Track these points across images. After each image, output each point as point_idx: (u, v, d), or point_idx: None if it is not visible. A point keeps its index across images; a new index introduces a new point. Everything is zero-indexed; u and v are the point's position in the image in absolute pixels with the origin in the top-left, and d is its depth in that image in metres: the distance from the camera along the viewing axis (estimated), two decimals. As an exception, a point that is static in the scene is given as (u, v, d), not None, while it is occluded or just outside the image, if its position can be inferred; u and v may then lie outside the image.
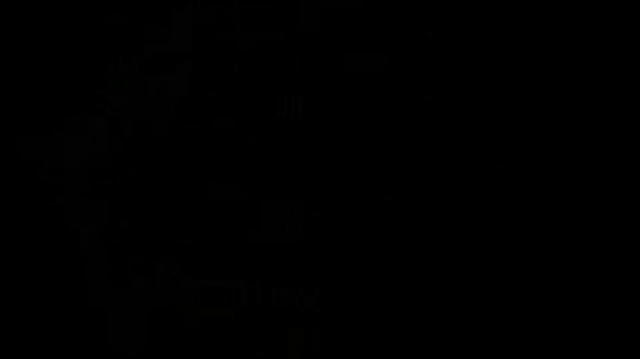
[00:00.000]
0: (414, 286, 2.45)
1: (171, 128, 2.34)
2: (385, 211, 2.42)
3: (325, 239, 2.18)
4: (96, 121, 2.75)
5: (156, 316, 2.46)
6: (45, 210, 2.49)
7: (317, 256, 2.06)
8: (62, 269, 2.47)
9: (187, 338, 2.42)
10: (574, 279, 2.45)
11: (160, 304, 2.48)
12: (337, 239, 2.22)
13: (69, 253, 2.50)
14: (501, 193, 2.49)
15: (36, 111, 2.49)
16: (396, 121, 2.16)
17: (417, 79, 2.34)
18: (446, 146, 2.48)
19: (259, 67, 2.27)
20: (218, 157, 2.30)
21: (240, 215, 2.22)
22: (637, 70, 2.37)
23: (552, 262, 2.47)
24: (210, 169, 2.32)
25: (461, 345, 2.37)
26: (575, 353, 2.33)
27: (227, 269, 2.20)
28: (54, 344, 2.37)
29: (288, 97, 2.23)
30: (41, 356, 2.35)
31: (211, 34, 1.92)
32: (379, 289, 2.39)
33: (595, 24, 2.38)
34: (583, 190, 2.45)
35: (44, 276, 2.46)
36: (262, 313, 1.70)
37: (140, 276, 2.49)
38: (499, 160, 2.48)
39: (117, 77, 2.53)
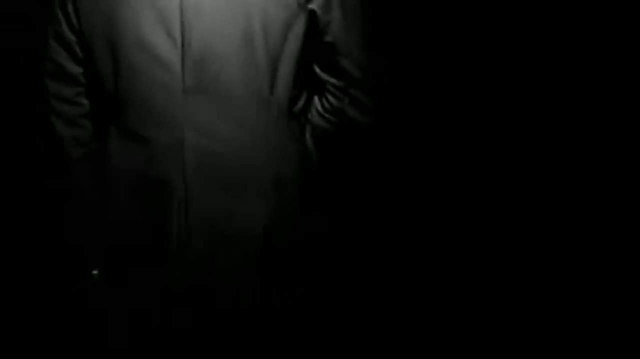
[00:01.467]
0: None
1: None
2: (386, 212, 2.42)
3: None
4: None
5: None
6: (47, 211, 2.49)
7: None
8: (62, 269, 2.47)
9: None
10: (574, 279, 2.45)
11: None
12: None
13: (69, 253, 2.49)
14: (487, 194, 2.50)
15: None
16: (395, 120, 2.15)
17: (417, 79, 2.34)
18: (445, 146, 2.48)
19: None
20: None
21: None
22: (637, 70, 2.38)
23: (552, 262, 2.47)
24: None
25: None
26: (575, 353, 2.33)
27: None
28: (54, 344, 2.37)
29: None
30: (41, 356, 2.35)
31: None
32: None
33: (595, 24, 2.38)
34: (583, 190, 2.46)
35: (44, 275, 2.46)
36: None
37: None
38: (498, 160, 2.48)
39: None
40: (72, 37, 1.20)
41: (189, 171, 1.13)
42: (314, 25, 1.15)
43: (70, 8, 1.19)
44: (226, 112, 1.12)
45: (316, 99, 1.27)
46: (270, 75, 1.12)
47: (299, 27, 1.14)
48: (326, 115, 1.25)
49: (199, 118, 1.11)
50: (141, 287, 1.25)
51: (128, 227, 1.20)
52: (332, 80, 1.20)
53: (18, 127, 2.48)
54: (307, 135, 1.28)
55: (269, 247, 1.17)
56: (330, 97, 1.22)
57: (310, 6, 1.13)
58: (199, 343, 1.25)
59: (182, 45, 1.10)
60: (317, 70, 1.21)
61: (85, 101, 1.24)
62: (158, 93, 1.12)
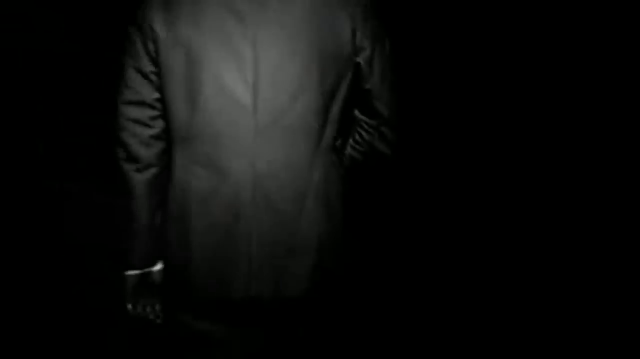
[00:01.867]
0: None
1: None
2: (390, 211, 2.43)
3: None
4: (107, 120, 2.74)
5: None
6: (50, 211, 2.49)
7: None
8: (63, 269, 2.47)
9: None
10: (574, 279, 2.45)
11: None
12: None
13: (70, 254, 2.50)
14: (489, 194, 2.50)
15: (53, 112, 2.50)
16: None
17: (418, 80, 2.35)
18: (445, 146, 2.48)
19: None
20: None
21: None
22: (637, 70, 2.38)
23: (552, 262, 2.48)
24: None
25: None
26: (575, 353, 2.34)
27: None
28: (54, 344, 2.38)
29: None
30: (41, 356, 2.35)
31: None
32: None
33: (595, 24, 2.39)
34: (583, 190, 2.46)
35: (45, 275, 2.47)
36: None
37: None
38: (498, 160, 2.48)
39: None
40: (152, 69, 1.33)
41: (257, 196, 1.32)
42: (358, 75, 1.38)
43: (151, 46, 1.32)
44: (288, 146, 1.32)
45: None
46: (323, 117, 1.34)
47: (348, 76, 1.36)
48: (357, 147, 1.47)
49: (267, 151, 1.31)
50: (205, 310, 1.40)
51: (196, 247, 1.34)
52: (367, 119, 1.43)
53: (18, 127, 2.49)
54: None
55: (319, 264, 1.36)
56: (363, 133, 1.45)
57: (358, 60, 1.36)
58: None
59: (254, 89, 1.30)
60: (356, 111, 1.44)
61: (158, 124, 1.37)
62: (231, 128, 1.30)
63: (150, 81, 1.34)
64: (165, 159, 1.37)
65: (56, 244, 2.51)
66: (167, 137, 1.36)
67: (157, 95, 1.34)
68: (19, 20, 2.45)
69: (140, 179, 1.37)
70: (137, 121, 1.36)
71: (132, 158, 1.37)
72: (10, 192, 2.48)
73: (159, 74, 1.33)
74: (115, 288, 2.44)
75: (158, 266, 1.41)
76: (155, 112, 1.35)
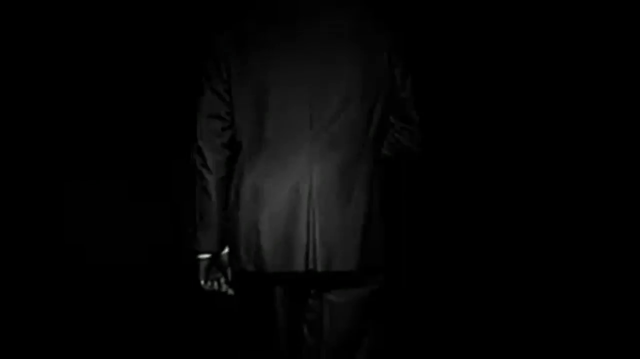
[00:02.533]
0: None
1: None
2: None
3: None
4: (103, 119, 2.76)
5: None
6: (50, 211, 2.49)
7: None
8: (63, 269, 2.48)
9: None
10: (574, 279, 2.45)
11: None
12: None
13: (70, 254, 2.50)
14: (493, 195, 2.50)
15: (53, 112, 2.50)
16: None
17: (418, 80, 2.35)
18: (446, 146, 2.49)
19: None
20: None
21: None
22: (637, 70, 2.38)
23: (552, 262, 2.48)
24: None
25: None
26: (575, 353, 2.34)
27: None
28: (54, 344, 2.38)
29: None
30: (41, 356, 2.35)
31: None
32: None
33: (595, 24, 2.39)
34: (582, 190, 2.46)
35: (45, 275, 2.47)
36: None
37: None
38: (499, 160, 2.48)
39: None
40: (225, 88, 1.63)
41: (314, 188, 1.60)
42: (394, 87, 1.64)
43: (224, 73, 1.62)
44: (338, 147, 1.61)
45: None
46: (367, 123, 1.63)
47: (386, 87, 1.63)
48: (391, 147, 1.71)
49: (322, 152, 1.61)
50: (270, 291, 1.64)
51: (264, 232, 1.60)
52: (402, 123, 1.68)
53: (18, 127, 2.49)
54: None
55: (364, 245, 1.61)
56: (397, 135, 1.70)
57: (394, 73, 1.64)
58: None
59: (310, 103, 1.59)
60: (391, 117, 1.68)
61: (228, 134, 1.65)
62: (293, 136, 1.60)
63: (223, 99, 1.63)
64: (231, 164, 1.64)
65: (56, 244, 2.51)
66: (234, 145, 1.63)
67: (228, 109, 1.63)
68: (19, 20, 2.45)
69: (213, 180, 1.65)
70: (212, 131, 1.64)
71: (208, 163, 1.65)
72: (10, 192, 2.47)
73: (230, 92, 1.62)
74: (115, 288, 2.45)
75: (225, 250, 1.67)
76: (226, 124, 1.64)
